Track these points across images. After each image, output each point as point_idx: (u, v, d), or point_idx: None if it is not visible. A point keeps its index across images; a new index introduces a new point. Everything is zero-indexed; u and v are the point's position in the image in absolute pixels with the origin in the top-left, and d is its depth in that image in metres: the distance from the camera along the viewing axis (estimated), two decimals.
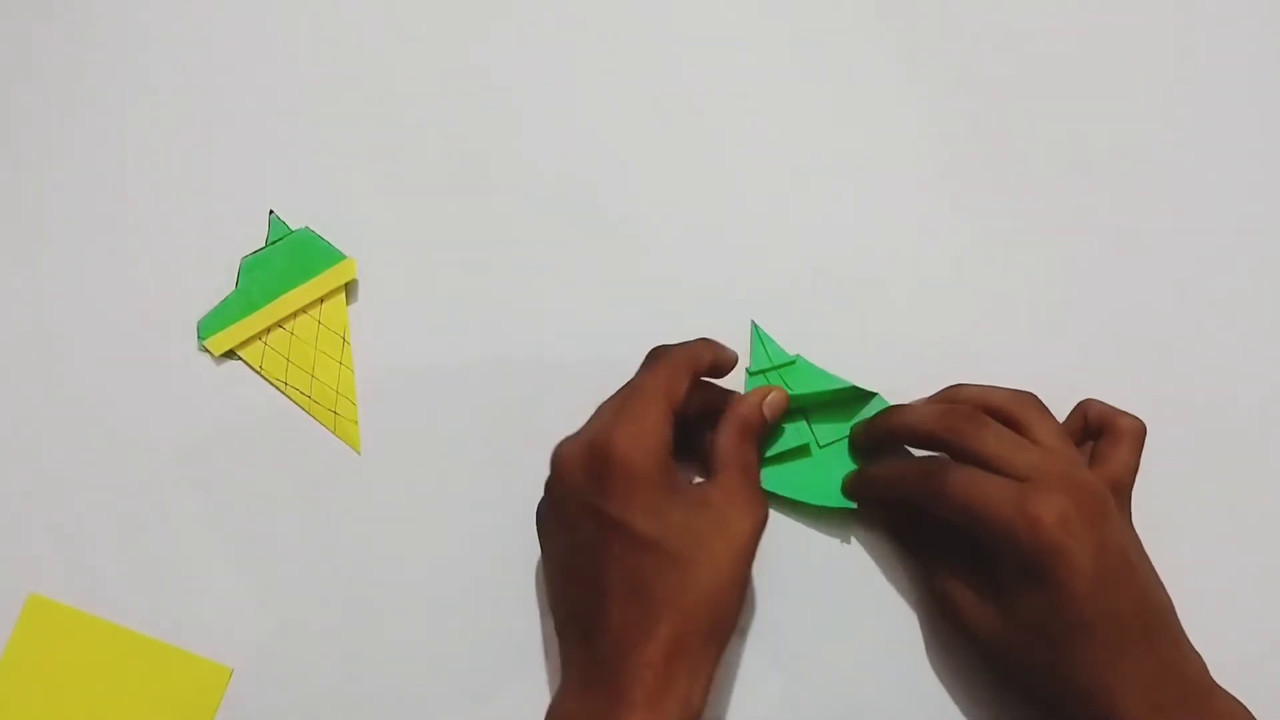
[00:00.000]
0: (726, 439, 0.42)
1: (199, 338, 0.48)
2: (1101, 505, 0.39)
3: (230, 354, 0.48)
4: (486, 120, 0.50)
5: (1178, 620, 0.39)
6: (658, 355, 0.43)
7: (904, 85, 0.50)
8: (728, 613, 0.39)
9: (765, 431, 0.44)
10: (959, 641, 0.43)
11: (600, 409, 0.41)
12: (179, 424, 0.48)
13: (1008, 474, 0.39)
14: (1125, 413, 0.42)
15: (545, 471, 0.41)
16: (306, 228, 0.49)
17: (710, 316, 0.47)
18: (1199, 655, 0.39)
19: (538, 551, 0.45)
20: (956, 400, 0.43)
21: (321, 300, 0.48)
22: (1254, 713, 0.37)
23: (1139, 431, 0.42)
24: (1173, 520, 0.45)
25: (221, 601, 0.47)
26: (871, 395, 0.46)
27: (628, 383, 0.42)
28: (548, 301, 0.48)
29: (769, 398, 0.43)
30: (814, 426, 0.46)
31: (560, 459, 0.41)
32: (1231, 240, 0.49)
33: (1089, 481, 0.39)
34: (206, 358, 0.48)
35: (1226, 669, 0.38)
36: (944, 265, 0.49)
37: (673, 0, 0.52)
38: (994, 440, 0.40)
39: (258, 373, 0.48)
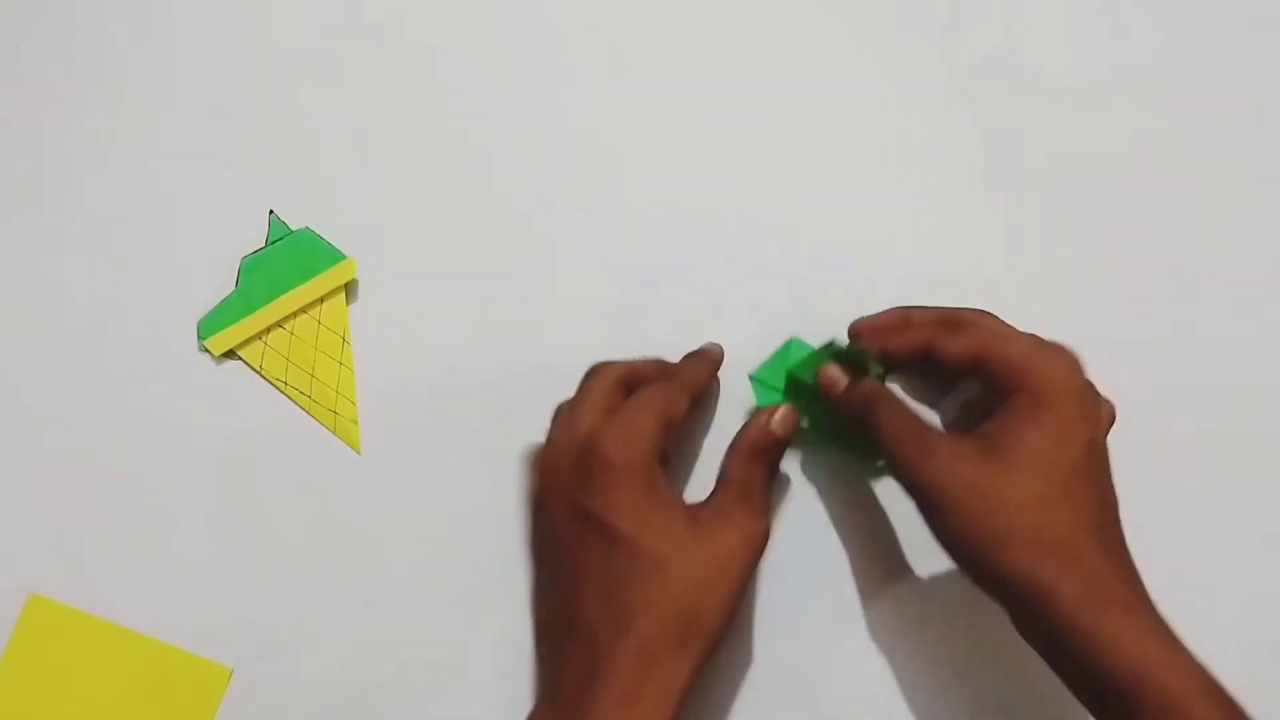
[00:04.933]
0: (732, 459, 0.42)
1: (199, 338, 0.48)
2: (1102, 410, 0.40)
3: (230, 354, 0.48)
4: (489, 119, 0.50)
5: None
6: (664, 371, 0.44)
7: (927, 86, 0.50)
8: (703, 624, 0.37)
9: (780, 449, 0.43)
10: (923, 520, 0.39)
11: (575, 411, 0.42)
12: (179, 424, 0.48)
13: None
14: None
15: None
16: (306, 228, 0.49)
17: (714, 317, 0.48)
18: None
19: None
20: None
21: (321, 300, 0.48)
22: (1254, 713, 0.37)
23: (1110, 408, 0.42)
24: (1172, 518, 0.45)
25: (221, 601, 0.47)
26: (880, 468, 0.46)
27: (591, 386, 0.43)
28: (549, 301, 0.48)
29: (777, 415, 0.42)
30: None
31: (546, 455, 0.41)
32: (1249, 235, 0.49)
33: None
34: (206, 358, 0.48)
35: (1225, 665, 0.38)
36: (974, 271, 0.48)
37: None
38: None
39: (258, 373, 0.48)
